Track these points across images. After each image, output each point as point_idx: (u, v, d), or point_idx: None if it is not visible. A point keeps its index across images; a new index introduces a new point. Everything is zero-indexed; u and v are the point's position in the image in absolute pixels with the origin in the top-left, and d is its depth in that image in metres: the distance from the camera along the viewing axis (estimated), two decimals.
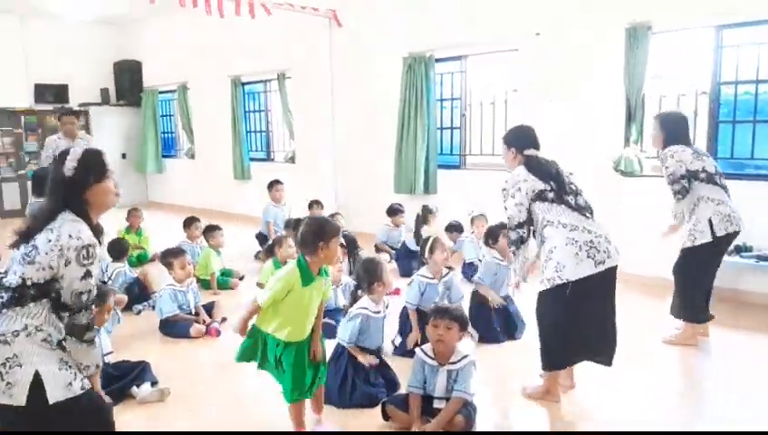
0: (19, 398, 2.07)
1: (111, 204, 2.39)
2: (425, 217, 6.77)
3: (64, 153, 2.33)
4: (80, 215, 2.26)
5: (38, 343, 2.14)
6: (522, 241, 3.41)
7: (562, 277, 3.19)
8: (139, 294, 5.49)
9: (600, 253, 3.20)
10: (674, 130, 4.21)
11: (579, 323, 3.29)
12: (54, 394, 2.11)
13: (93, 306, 2.30)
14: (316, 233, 2.83)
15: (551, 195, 3.30)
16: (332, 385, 3.44)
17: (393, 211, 7.14)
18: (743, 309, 5.00)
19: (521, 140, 3.52)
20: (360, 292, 3.71)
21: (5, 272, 2.21)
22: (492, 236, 4.76)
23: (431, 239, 4.28)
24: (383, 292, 3.61)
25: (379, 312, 3.59)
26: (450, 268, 4.38)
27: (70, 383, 2.17)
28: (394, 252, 6.92)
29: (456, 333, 3.09)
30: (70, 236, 2.15)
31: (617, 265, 3.29)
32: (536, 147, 3.50)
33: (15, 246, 2.23)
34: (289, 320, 2.85)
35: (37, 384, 2.09)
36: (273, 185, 7.70)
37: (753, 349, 4.26)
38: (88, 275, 2.19)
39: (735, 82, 5.48)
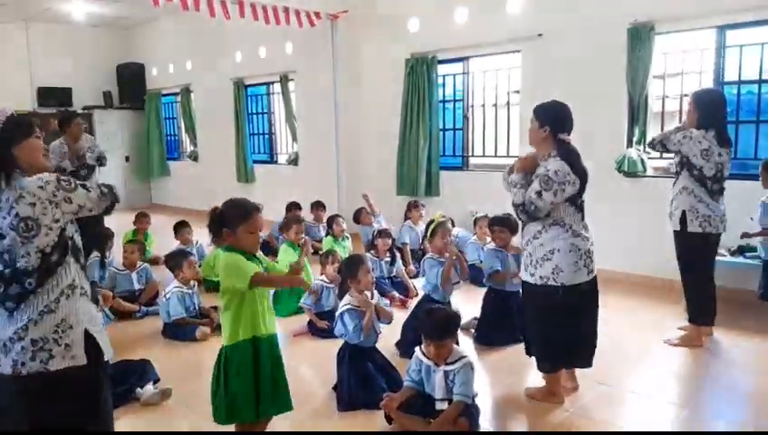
0: (80, 357, 2.14)
1: (43, 164, 2.29)
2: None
3: None
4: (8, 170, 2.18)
5: (78, 298, 2.18)
6: (528, 220, 3.28)
7: (558, 281, 3.21)
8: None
9: (592, 262, 3.28)
10: (707, 111, 4.06)
11: (571, 328, 3.32)
12: (108, 352, 2.24)
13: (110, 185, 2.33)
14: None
15: (579, 201, 3.25)
16: (338, 389, 3.49)
17: (409, 207, 7.04)
18: (746, 309, 4.98)
19: (561, 120, 3.25)
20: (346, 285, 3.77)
21: (6, 263, 2.11)
22: (490, 227, 4.92)
23: (434, 224, 4.34)
24: (359, 289, 3.63)
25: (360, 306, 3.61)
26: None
27: (108, 344, 2.27)
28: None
29: (450, 343, 3.10)
30: (40, 187, 2.11)
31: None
32: (570, 131, 3.28)
33: None
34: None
35: (89, 343, 2.16)
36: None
37: (757, 350, 4.24)
38: (84, 186, 2.21)
39: (738, 81, 5.46)
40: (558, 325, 3.31)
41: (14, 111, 2.29)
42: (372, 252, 5.85)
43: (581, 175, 3.21)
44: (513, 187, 3.32)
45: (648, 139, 4.40)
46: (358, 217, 7.05)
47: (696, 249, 4.19)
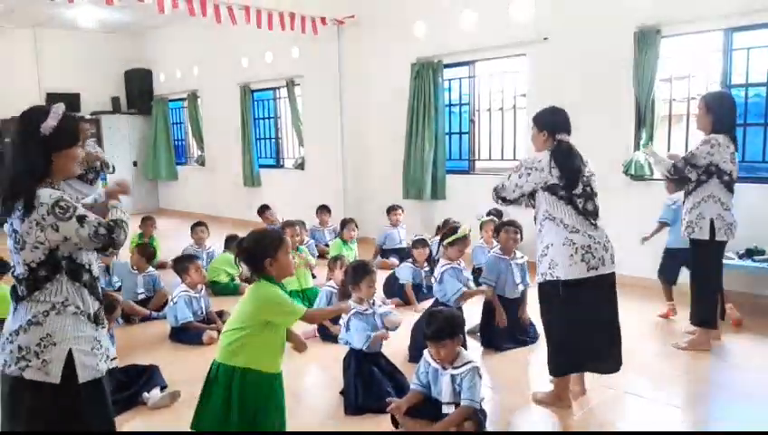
0: (55, 375, 2.12)
1: (74, 173, 2.31)
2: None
3: (44, 110, 2.23)
4: (42, 177, 2.17)
5: (70, 316, 2.16)
6: (497, 200, 3.47)
7: (554, 275, 3.23)
8: None
9: (594, 259, 3.22)
10: (722, 114, 4.05)
11: (581, 329, 3.28)
12: (84, 374, 2.17)
13: (117, 226, 2.24)
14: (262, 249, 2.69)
15: (561, 192, 3.25)
16: (345, 394, 3.52)
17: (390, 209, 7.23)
18: (755, 313, 4.95)
19: (555, 122, 3.38)
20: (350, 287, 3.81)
21: (15, 266, 2.21)
22: (495, 230, 4.95)
23: (457, 235, 4.34)
24: (362, 296, 3.68)
25: (366, 309, 3.66)
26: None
27: (97, 364, 2.22)
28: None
29: (452, 344, 3.08)
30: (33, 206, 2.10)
31: (613, 273, 3.31)
32: (569, 131, 3.38)
33: (6, 213, 2.16)
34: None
35: (69, 362, 2.14)
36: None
37: (764, 353, 4.22)
38: (81, 220, 2.13)
39: (746, 84, 5.44)
40: (563, 324, 3.29)
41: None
42: (410, 260, 5.75)
43: (561, 166, 3.23)
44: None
45: (665, 170, 4.19)
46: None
47: (717, 257, 4.19)
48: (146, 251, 5.82)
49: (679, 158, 4.13)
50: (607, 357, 3.40)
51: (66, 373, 2.13)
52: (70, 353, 2.14)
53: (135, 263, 5.66)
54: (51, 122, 2.19)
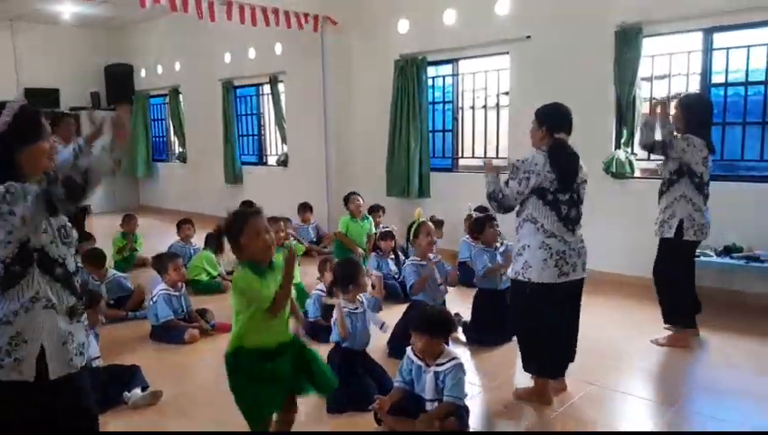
0: (29, 373, 2.07)
1: (45, 167, 2.17)
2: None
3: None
4: (7, 176, 2.05)
5: (41, 311, 2.09)
6: (499, 209, 3.42)
7: (525, 276, 3.28)
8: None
9: (567, 265, 3.27)
10: (695, 116, 4.15)
11: (551, 331, 3.35)
12: (56, 370, 2.11)
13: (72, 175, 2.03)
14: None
15: (549, 197, 3.26)
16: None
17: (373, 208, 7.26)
18: (732, 310, 5.02)
19: (557, 119, 3.35)
20: (335, 289, 3.79)
21: None
22: (477, 227, 4.91)
23: (416, 224, 4.39)
24: (357, 293, 3.69)
25: (356, 308, 3.66)
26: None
27: (70, 359, 2.15)
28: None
29: (439, 341, 3.10)
30: None
31: (582, 279, 3.37)
32: (568, 131, 3.38)
33: None
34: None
35: (41, 358, 2.08)
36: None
37: (741, 349, 4.28)
38: (27, 193, 2.00)
39: (725, 84, 5.51)
40: (531, 326, 3.37)
41: (23, 104, 2.10)
42: (378, 252, 5.98)
43: (559, 170, 3.23)
44: (487, 183, 3.47)
45: (642, 140, 4.31)
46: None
47: (685, 256, 4.27)
48: (91, 257, 5.35)
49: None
50: (563, 360, 3.49)
51: (38, 370, 2.08)
52: (42, 350, 2.09)
53: (90, 272, 5.22)
54: (4, 119, 2.10)
